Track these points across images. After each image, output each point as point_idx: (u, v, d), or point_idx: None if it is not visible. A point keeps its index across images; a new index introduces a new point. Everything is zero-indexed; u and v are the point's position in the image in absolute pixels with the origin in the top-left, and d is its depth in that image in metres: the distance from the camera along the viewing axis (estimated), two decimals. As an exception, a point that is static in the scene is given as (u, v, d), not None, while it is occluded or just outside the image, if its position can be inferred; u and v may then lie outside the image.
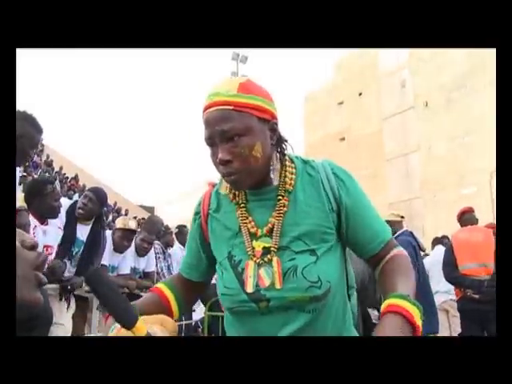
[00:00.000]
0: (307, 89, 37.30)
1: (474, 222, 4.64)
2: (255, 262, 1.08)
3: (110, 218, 17.31)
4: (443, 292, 5.53)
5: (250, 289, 1.06)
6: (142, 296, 4.71)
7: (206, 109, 1.06)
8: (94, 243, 3.62)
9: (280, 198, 1.11)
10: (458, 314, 4.69)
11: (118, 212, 18.39)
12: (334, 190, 1.12)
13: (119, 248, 4.25)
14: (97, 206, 3.64)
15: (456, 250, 4.41)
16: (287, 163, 1.16)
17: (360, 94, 31.80)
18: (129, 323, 0.81)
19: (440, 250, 5.77)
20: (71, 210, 3.54)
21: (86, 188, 17.61)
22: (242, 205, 1.14)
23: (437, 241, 6.75)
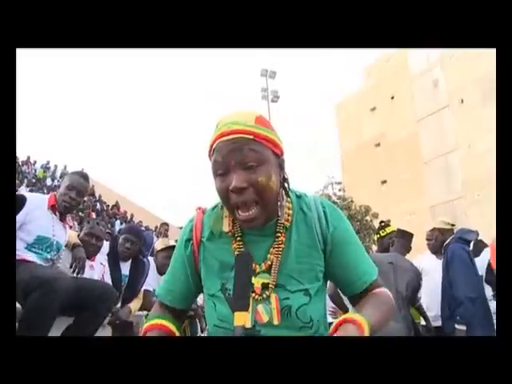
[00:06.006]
0: (338, 98, 37.09)
1: None
2: (253, 297, 1.08)
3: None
4: None
5: (248, 324, 1.05)
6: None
7: (222, 136, 1.03)
8: (137, 274, 3.80)
9: (279, 234, 1.11)
10: None
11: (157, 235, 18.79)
12: (323, 229, 1.12)
13: (165, 269, 4.26)
14: (138, 245, 3.81)
15: None
16: (285, 198, 1.15)
17: (392, 98, 31.32)
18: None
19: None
20: (112, 253, 3.75)
21: (128, 214, 18.07)
22: (238, 238, 1.13)
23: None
